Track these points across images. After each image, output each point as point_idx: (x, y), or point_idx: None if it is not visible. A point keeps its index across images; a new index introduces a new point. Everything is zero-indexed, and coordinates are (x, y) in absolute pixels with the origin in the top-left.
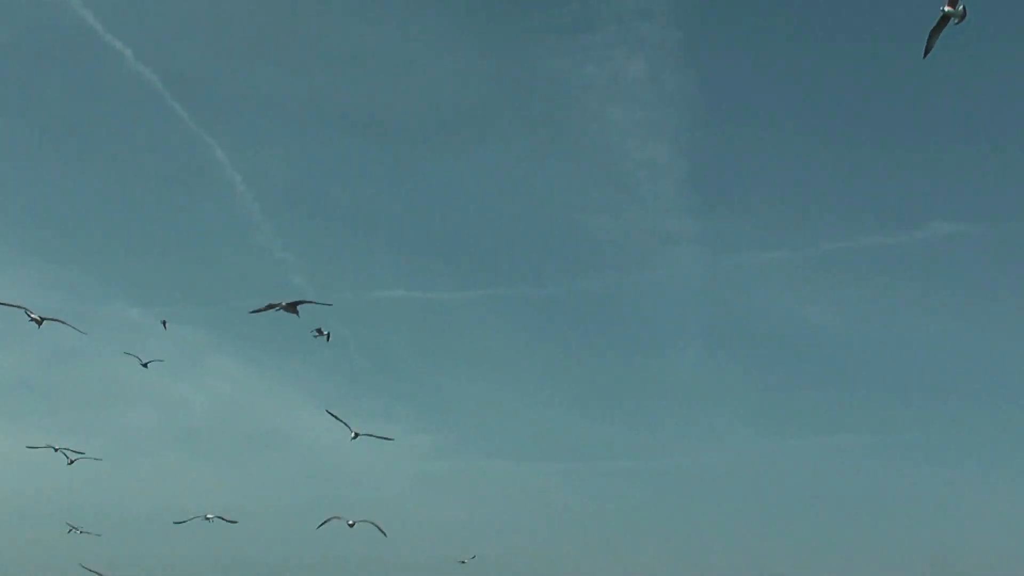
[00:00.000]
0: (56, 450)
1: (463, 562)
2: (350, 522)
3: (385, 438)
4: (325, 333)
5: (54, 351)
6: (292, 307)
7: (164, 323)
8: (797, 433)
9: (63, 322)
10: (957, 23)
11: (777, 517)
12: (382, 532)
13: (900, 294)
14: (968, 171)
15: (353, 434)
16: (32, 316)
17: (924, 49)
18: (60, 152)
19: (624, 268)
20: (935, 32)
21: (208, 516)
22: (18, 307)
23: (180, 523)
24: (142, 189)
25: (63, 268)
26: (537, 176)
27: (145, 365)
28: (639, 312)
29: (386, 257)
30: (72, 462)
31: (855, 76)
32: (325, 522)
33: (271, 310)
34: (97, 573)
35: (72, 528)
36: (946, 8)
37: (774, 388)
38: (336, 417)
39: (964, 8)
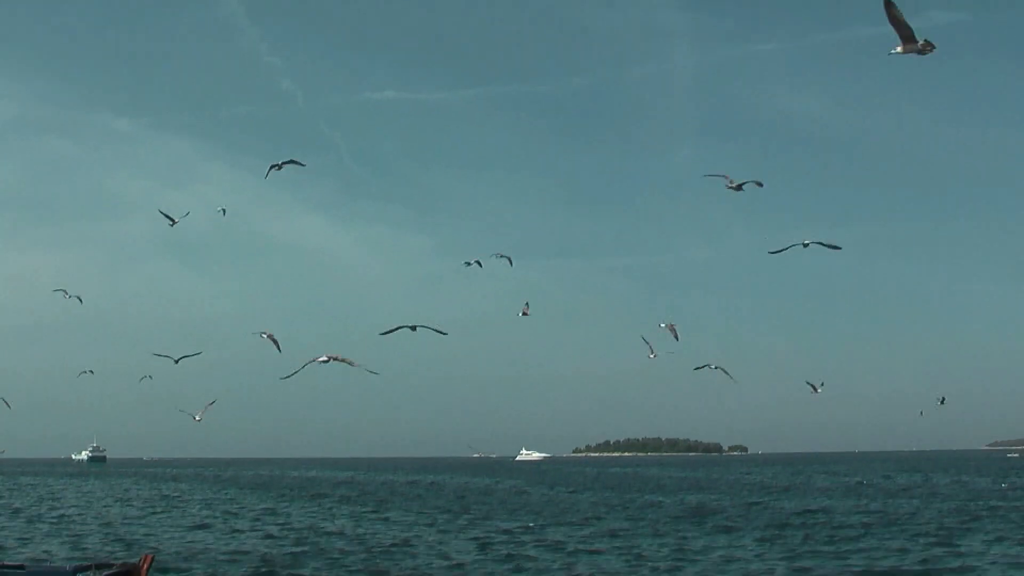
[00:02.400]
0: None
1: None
2: (411, 326)
3: (440, 331)
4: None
5: (45, 165)
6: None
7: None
8: (793, 226)
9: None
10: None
11: (772, 310)
12: (441, 332)
13: (895, 85)
14: None
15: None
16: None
17: None
18: None
19: (617, 63)
20: None
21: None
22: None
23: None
24: None
25: (47, 80)
26: None
27: (173, 223)
28: (632, 108)
29: (376, 57)
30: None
31: None
32: (393, 330)
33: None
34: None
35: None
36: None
37: (769, 182)
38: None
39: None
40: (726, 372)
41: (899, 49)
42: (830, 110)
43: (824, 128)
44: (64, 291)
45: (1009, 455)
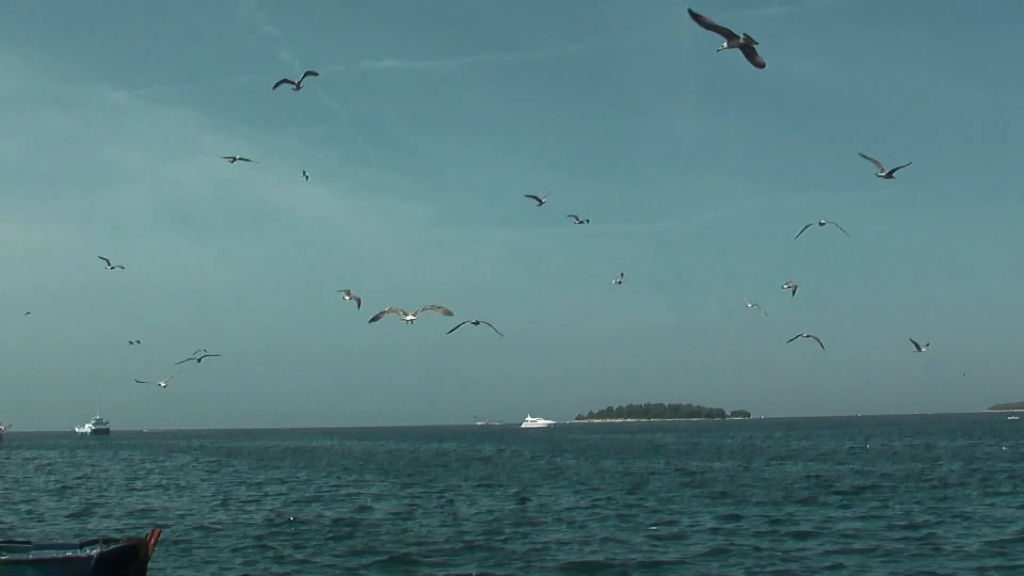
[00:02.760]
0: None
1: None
2: (474, 321)
3: (498, 332)
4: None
5: (44, 139)
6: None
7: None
8: (795, 189)
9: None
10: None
11: (775, 273)
12: (499, 333)
13: (898, 47)
14: None
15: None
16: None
17: None
18: None
19: (616, 30)
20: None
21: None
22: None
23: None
24: None
25: (44, 53)
26: None
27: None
28: (632, 74)
29: (374, 26)
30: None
31: None
32: (457, 327)
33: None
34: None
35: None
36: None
37: (770, 145)
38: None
39: None
40: (819, 341)
41: (724, 45)
42: (832, 74)
43: (825, 92)
44: (107, 260)
45: (1009, 418)
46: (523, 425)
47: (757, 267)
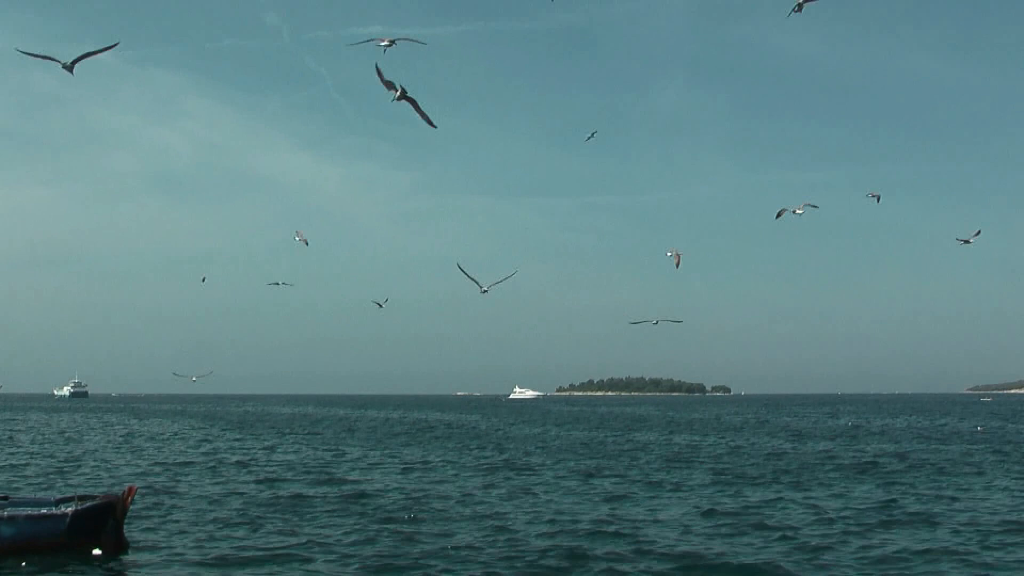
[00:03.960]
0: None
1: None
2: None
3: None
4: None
5: (29, 100)
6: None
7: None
8: (783, 166)
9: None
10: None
11: (757, 249)
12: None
13: (889, 25)
14: None
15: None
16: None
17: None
18: None
19: None
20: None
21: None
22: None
23: None
24: None
25: (29, 13)
26: None
27: None
28: (621, 45)
29: None
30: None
31: None
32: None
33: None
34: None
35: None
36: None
37: (759, 121)
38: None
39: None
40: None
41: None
42: (822, 49)
43: (815, 67)
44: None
45: (983, 399)
46: (511, 396)
47: (743, 243)
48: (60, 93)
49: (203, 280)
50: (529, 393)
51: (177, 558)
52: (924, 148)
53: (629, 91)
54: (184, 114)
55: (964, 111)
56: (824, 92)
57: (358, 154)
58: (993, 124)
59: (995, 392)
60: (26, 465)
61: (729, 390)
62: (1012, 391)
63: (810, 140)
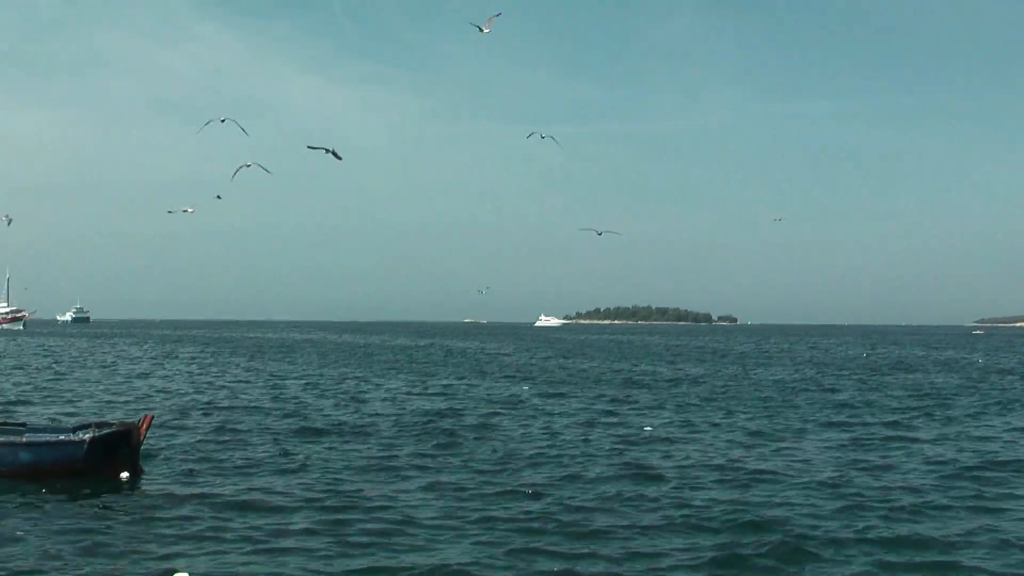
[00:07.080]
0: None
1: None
2: (599, 232)
3: (605, 231)
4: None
5: (35, 24)
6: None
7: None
8: (794, 96)
9: None
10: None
11: (766, 180)
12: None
13: None
14: None
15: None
16: None
17: None
18: None
19: None
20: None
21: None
22: None
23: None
24: None
25: None
26: None
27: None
28: None
29: None
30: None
31: None
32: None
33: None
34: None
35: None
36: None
37: (771, 51)
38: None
39: None
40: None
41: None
42: None
43: None
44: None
45: (974, 332)
46: (536, 324)
47: (748, 173)
48: (66, 18)
49: (218, 198)
50: (554, 321)
51: (195, 486)
52: (943, 79)
53: (640, 19)
54: (191, 38)
55: (985, 39)
56: (838, 18)
57: (365, 78)
58: (1014, 56)
59: (999, 325)
60: (41, 393)
61: (736, 320)
62: (1015, 324)
63: (823, 70)
